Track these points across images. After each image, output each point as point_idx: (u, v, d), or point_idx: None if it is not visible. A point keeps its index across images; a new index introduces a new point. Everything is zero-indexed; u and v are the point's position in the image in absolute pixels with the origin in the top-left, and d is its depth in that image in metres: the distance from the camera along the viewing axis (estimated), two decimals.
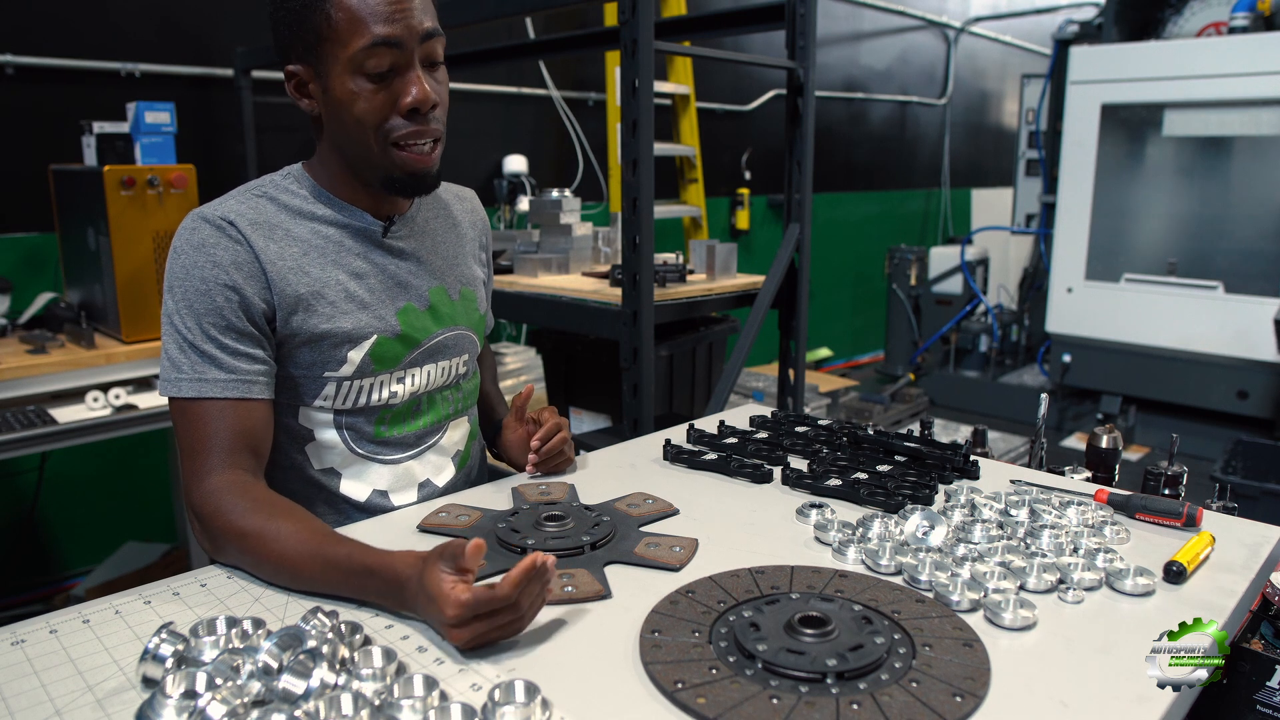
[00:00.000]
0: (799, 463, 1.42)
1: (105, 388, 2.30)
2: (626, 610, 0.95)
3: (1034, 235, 5.48)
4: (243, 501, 1.05)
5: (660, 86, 4.27)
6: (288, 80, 1.19)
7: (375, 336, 1.23)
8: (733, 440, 1.51)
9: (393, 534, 1.17)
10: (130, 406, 2.28)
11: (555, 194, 2.66)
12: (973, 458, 1.39)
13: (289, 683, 0.76)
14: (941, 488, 1.31)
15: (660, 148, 4.04)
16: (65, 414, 2.20)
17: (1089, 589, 0.98)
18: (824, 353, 6.25)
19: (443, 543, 0.90)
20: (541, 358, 3.33)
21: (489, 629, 0.86)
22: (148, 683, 0.82)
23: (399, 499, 1.30)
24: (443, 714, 0.73)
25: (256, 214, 1.18)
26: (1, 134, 2.77)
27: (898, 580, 1.01)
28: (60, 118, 2.79)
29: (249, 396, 1.13)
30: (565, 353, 3.08)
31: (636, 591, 0.99)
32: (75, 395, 2.27)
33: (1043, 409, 1.51)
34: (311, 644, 0.79)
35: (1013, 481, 1.34)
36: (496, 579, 0.86)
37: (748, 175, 5.36)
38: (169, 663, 0.80)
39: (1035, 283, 5.50)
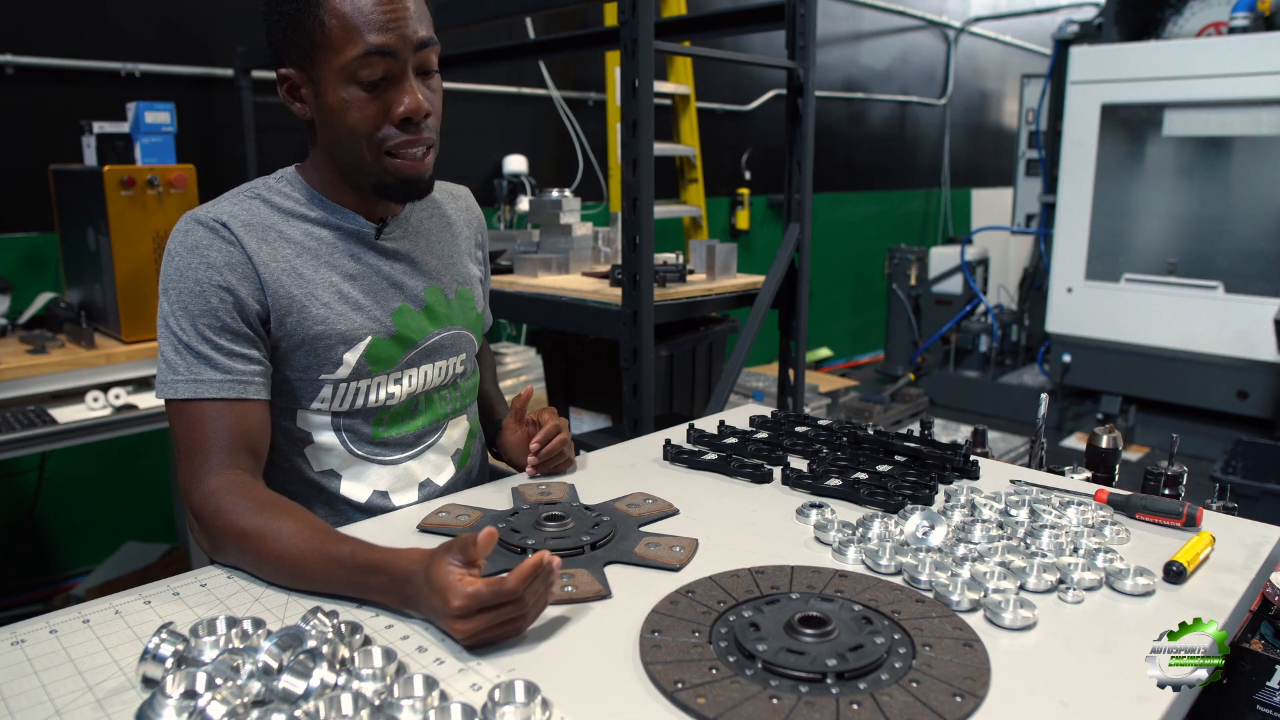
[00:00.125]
0: (799, 463, 1.42)
1: (105, 388, 2.30)
2: (626, 610, 0.95)
3: (1034, 235, 5.48)
4: (243, 501, 1.05)
5: (660, 86, 4.27)
6: (280, 84, 1.19)
7: (370, 338, 1.23)
8: (733, 440, 1.51)
9: (393, 534, 1.17)
10: (130, 406, 2.28)
11: (555, 194, 2.66)
12: (973, 458, 1.39)
13: (289, 683, 0.76)
14: (941, 488, 1.31)
15: (660, 148, 4.04)
16: (65, 414, 2.20)
17: (1089, 589, 0.98)
18: (824, 353, 6.25)
19: (452, 539, 0.90)
20: (541, 358, 3.33)
21: (492, 623, 0.86)
22: (148, 683, 0.82)
23: (399, 499, 1.30)
24: (443, 714, 0.73)
25: (249, 216, 1.18)
26: (1, 134, 2.77)
27: (898, 580, 1.01)
28: (60, 118, 2.79)
29: (245, 397, 1.13)
30: (565, 353, 3.08)
31: (636, 591, 0.99)
32: (75, 395, 2.27)
33: (1043, 409, 1.51)
34: (311, 644, 0.79)
35: (1013, 481, 1.34)
36: (502, 576, 0.86)
37: (748, 175, 5.36)
38: (169, 663, 0.80)
39: (1035, 283, 5.50)
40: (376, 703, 0.75)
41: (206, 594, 1.00)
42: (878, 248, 6.26)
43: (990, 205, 7.38)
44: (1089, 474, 1.43)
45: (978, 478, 1.37)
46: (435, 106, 1.18)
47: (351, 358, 1.22)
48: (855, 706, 0.75)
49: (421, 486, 1.33)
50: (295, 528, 1.01)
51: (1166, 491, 1.33)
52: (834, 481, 1.30)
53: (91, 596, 1.97)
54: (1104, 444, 1.43)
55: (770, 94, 5.36)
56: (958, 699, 0.77)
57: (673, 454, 1.44)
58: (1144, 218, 4.57)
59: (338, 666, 0.79)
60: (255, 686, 0.76)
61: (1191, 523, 1.16)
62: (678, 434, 1.57)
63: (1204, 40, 4.33)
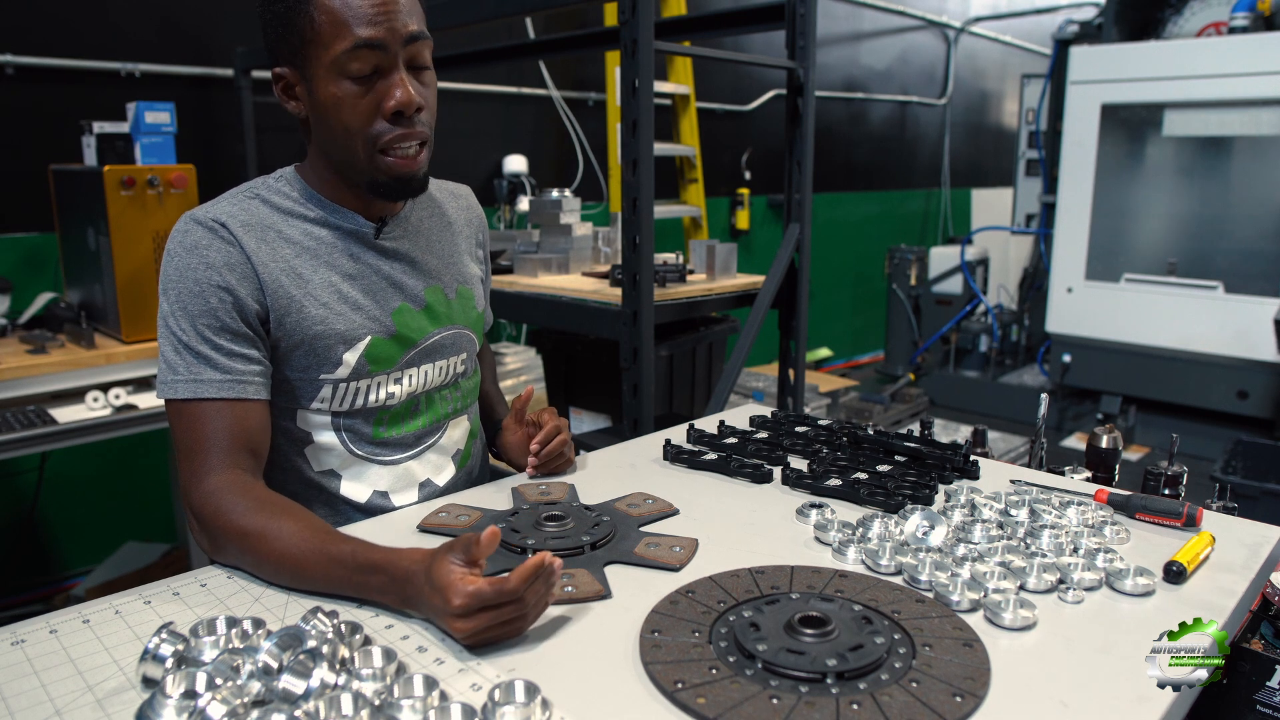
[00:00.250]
0: (799, 463, 1.42)
1: (105, 388, 2.30)
2: (626, 610, 0.95)
3: (1034, 235, 5.48)
4: (243, 501, 1.05)
5: (660, 86, 4.27)
6: (275, 83, 1.19)
7: (370, 337, 1.23)
8: (733, 440, 1.51)
9: (393, 534, 1.17)
10: (130, 406, 2.28)
11: (555, 194, 2.66)
12: (973, 458, 1.39)
13: (289, 683, 0.76)
14: (941, 488, 1.31)
15: (660, 148, 4.04)
16: (65, 414, 2.20)
17: (1089, 589, 0.98)
18: (824, 353, 6.25)
19: (454, 538, 0.90)
20: (541, 358, 3.33)
21: (493, 623, 0.86)
22: (148, 683, 0.82)
23: (399, 499, 1.30)
24: (443, 714, 0.73)
25: (248, 216, 1.18)
26: (1, 134, 2.77)
27: (898, 580, 1.01)
28: (60, 118, 2.79)
29: (245, 397, 1.13)
30: (565, 353, 3.08)
31: (636, 591, 0.99)
32: (75, 395, 2.27)
33: (1043, 409, 1.51)
34: (311, 644, 0.79)
35: (1013, 481, 1.34)
36: (503, 576, 0.86)
37: (748, 175, 5.36)
38: (169, 663, 0.80)
39: (1035, 283, 5.50)
40: (376, 703, 0.75)
41: (206, 594, 1.00)
42: (878, 248, 6.26)
43: (990, 205, 7.38)
44: (1089, 474, 1.43)
45: (978, 478, 1.37)
46: (428, 102, 1.18)
47: (351, 357, 1.22)
48: (855, 706, 0.75)
49: (421, 487, 1.33)
50: (295, 527, 1.01)
51: (1166, 491, 1.33)
52: (834, 481, 1.31)
53: (91, 596, 1.97)
54: (1104, 444, 1.43)
55: (770, 94, 5.36)
56: (958, 699, 0.77)
57: (673, 454, 1.44)
58: (1144, 218, 4.57)
59: (338, 666, 0.79)
60: (255, 686, 0.76)
61: (1191, 523, 1.16)
62: (678, 434, 1.57)
63: (1204, 40, 4.33)
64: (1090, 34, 5.00)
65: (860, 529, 1.13)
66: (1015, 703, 0.78)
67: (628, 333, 2.00)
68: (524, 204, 3.84)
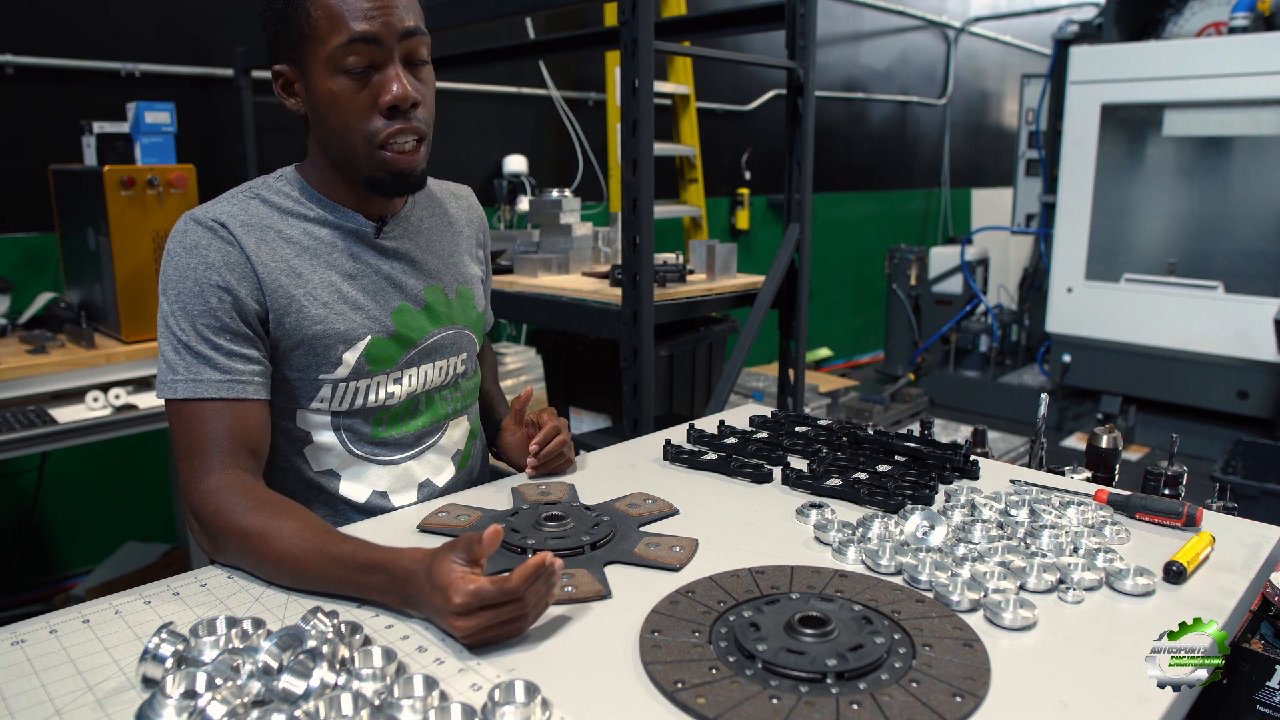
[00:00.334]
0: (799, 463, 1.42)
1: (105, 388, 2.30)
2: (626, 610, 0.95)
3: (1034, 235, 5.48)
4: (243, 501, 1.05)
5: (660, 86, 4.27)
6: (275, 80, 1.20)
7: (369, 337, 1.23)
8: (733, 440, 1.51)
9: (392, 534, 1.17)
10: (130, 406, 2.28)
11: (555, 194, 2.66)
12: (973, 458, 1.39)
13: (289, 683, 0.76)
14: (941, 488, 1.31)
15: (660, 148, 4.04)
16: (65, 414, 2.20)
17: (1089, 589, 0.98)
18: (824, 353, 6.25)
19: (455, 538, 0.90)
20: (541, 358, 3.33)
21: (493, 622, 0.86)
22: (148, 683, 0.82)
23: (399, 499, 1.30)
24: (443, 714, 0.73)
25: (248, 216, 1.18)
26: (1, 134, 2.77)
27: (898, 580, 1.01)
28: (60, 118, 2.79)
29: (244, 397, 1.13)
30: (565, 353, 3.08)
31: (636, 591, 0.99)
32: (75, 395, 2.27)
33: (1043, 409, 1.51)
34: (311, 644, 0.79)
35: (1013, 481, 1.34)
36: (504, 575, 0.86)
37: (748, 175, 5.36)
38: (169, 663, 0.80)
39: (1035, 283, 5.50)
40: (376, 703, 0.75)
41: (206, 594, 1.00)
42: (878, 248, 6.26)
43: (990, 205, 7.38)
44: (1089, 474, 1.43)
45: (978, 478, 1.37)
46: (425, 98, 1.18)
47: (351, 357, 1.22)
48: (855, 706, 0.75)
49: (421, 487, 1.33)
50: (296, 527, 1.01)
51: (1166, 491, 1.33)
52: (834, 481, 1.30)
53: (91, 596, 1.97)
54: (1104, 444, 1.43)
55: (770, 94, 5.36)
56: (958, 699, 0.77)
57: (673, 454, 1.44)
58: (1144, 218, 4.57)
59: (338, 666, 0.79)
60: (255, 686, 0.76)
61: (1191, 523, 1.16)
62: (678, 434, 1.57)
63: (1204, 40, 4.33)
64: (1090, 34, 5.00)
65: (860, 529, 1.13)
66: (1015, 703, 0.78)
67: (628, 333, 2.00)
68: (524, 204, 3.84)
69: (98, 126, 2.44)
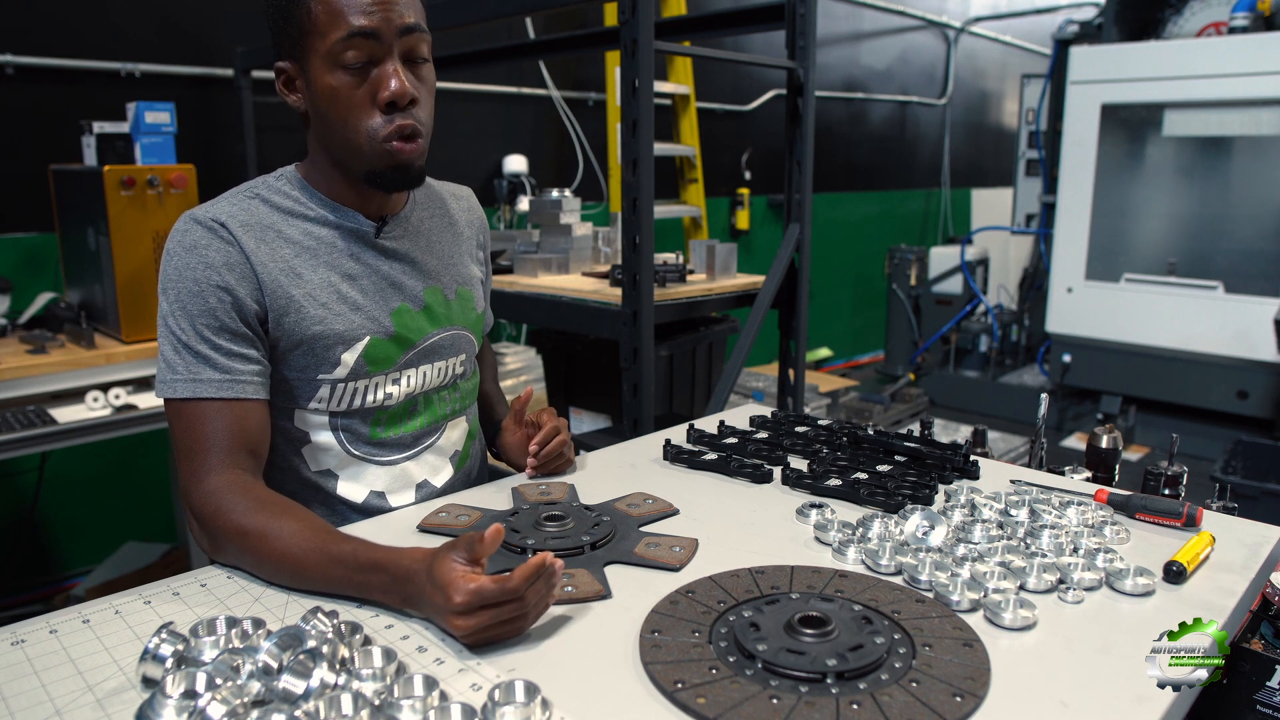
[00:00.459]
0: (799, 463, 1.42)
1: (105, 388, 2.30)
2: (626, 610, 0.95)
3: (1034, 235, 5.48)
4: (244, 501, 1.05)
5: (660, 86, 4.27)
6: (277, 77, 1.20)
7: (368, 338, 1.23)
8: (733, 440, 1.51)
9: (392, 534, 1.17)
10: (130, 406, 2.28)
11: (555, 194, 2.66)
12: (973, 458, 1.39)
13: (289, 683, 0.76)
14: (941, 488, 1.31)
15: (660, 148, 4.04)
16: (65, 414, 2.20)
17: (1089, 589, 0.98)
18: (824, 353, 6.25)
19: (457, 537, 0.90)
20: (541, 358, 3.33)
21: (494, 621, 0.86)
22: (148, 683, 0.82)
23: (396, 500, 1.30)
24: (443, 714, 0.73)
25: (248, 216, 1.18)
26: (1, 134, 2.77)
27: (898, 580, 1.01)
28: (60, 118, 2.79)
29: (244, 396, 1.13)
30: (565, 353, 3.08)
31: (636, 591, 0.99)
32: (75, 395, 2.27)
33: (1043, 409, 1.51)
34: (311, 644, 0.79)
35: (1013, 481, 1.34)
36: (505, 575, 0.86)
37: (748, 175, 5.36)
38: (169, 663, 0.80)
39: (1035, 283, 5.50)
40: (376, 703, 0.75)
41: (206, 594, 1.00)
42: (878, 248, 6.26)
43: (990, 205, 7.38)
44: (1089, 474, 1.43)
45: (978, 478, 1.37)
46: (423, 95, 1.18)
47: (350, 358, 1.22)
48: (855, 706, 0.75)
49: (419, 487, 1.32)
50: (296, 527, 1.01)
51: (1166, 491, 1.33)
52: (834, 481, 1.30)
53: (91, 596, 1.97)
54: (1104, 444, 1.43)
55: (770, 94, 5.36)
56: (958, 699, 0.77)
57: (673, 454, 1.44)
58: (1144, 218, 4.57)
59: (338, 666, 0.79)
60: (255, 686, 0.76)
61: (1191, 523, 1.16)
62: (678, 434, 1.57)
63: (1204, 40, 4.33)
64: (1090, 34, 5.00)
65: (860, 529, 1.13)
66: (1015, 703, 0.78)
67: (628, 333, 2.00)
68: (524, 204, 3.84)
69: (98, 126, 2.44)
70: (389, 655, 0.81)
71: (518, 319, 3.78)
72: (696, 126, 4.58)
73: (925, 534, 1.10)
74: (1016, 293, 5.98)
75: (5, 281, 2.57)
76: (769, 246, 5.41)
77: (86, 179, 2.37)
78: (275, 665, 0.78)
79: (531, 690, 0.76)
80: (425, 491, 1.33)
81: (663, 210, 4.36)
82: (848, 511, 1.22)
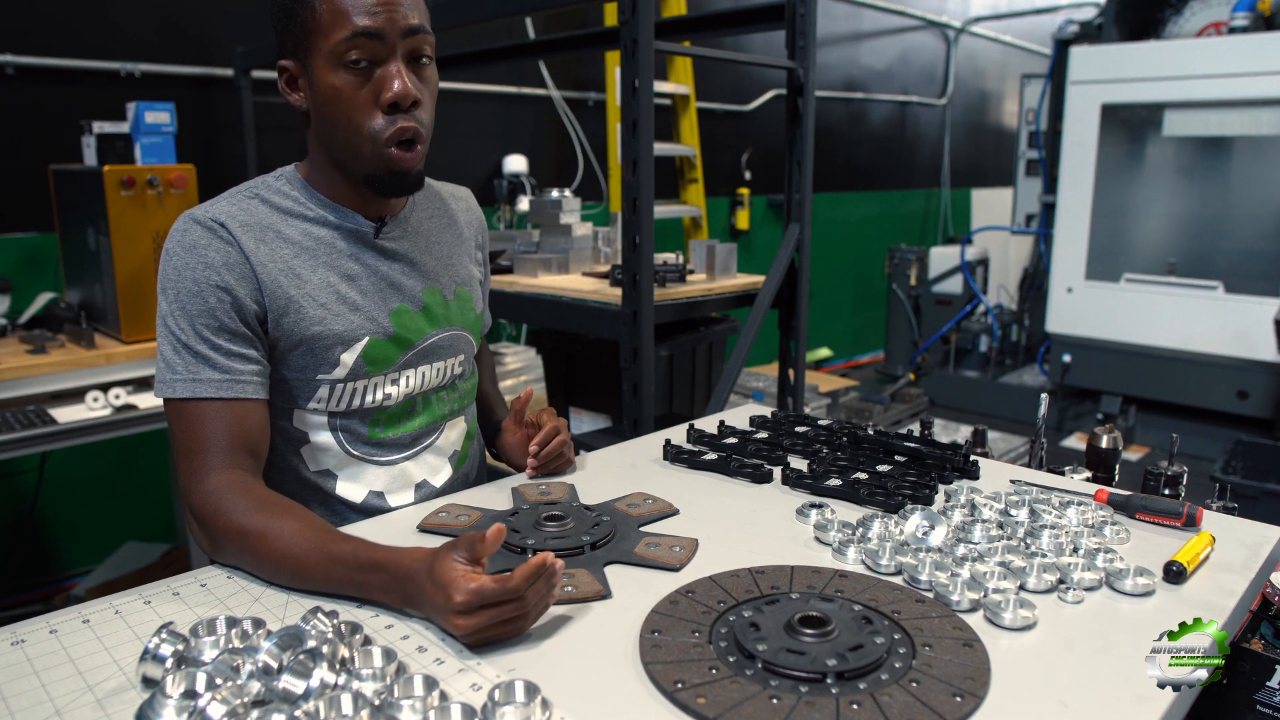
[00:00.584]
0: (799, 463, 1.42)
1: (105, 388, 2.30)
2: (626, 610, 0.95)
3: (1034, 235, 5.48)
4: (243, 501, 1.05)
5: (660, 86, 4.27)
6: (280, 75, 1.20)
7: (367, 338, 1.23)
8: (733, 440, 1.51)
9: (392, 534, 1.17)
10: (130, 406, 2.28)
11: (555, 194, 2.66)
12: (973, 458, 1.39)
13: (289, 683, 0.76)
14: (941, 488, 1.31)
15: (660, 148, 4.04)
16: (65, 414, 2.20)
17: (1089, 589, 0.98)
18: (824, 353, 6.25)
19: (457, 537, 0.90)
20: (541, 358, 3.33)
21: (494, 621, 0.86)
22: (148, 683, 0.82)
23: (395, 500, 1.30)
24: (443, 714, 0.73)
25: (247, 216, 1.18)
26: (1, 134, 2.77)
27: (898, 580, 1.01)
28: (60, 118, 2.79)
29: (243, 396, 1.13)
30: (565, 353, 3.08)
31: (636, 591, 0.99)
32: (75, 395, 2.27)
33: (1043, 409, 1.51)
34: (311, 644, 0.79)
35: (1013, 481, 1.34)
36: (505, 574, 0.86)
37: (748, 175, 5.36)
38: (169, 663, 0.80)
39: (1035, 283, 5.50)
40: (376, 703, 0.75)
41: (206, 594, 1.00)
42: (878, 248, 6.26)
43: (990, 205, 7.39)
44: (1089, 474, 1.43)
45: (978, 478, 1.37)
46: (426, 97, 1.18)
47: (349, 358, 1.22)
48: (855, 706, 0.75)
49: (418, 488, 1.33)
50: (296, 527, 1.01)
51: (1166, 491, 1.33)
52: (834, 481, 1.30)
53: (91, 596, 1.97)
54: (1104, 444, 1.43)
55: (770, 94, 5.36)
56: (958, 699, 0.77)
57: (673, 454, 1.44)
58: (1144, 218, 4.57)
59: (338, 666, 0.79)
60: (255, 686, 0.76)
61: (1191, 523, 1.16)
62: (678, 434, 1.57)
63: (1204, 40, 4.33)
64: (1090, 34, 5.00)
65: (860, 529, 1.13)
66: (1015, 703, 0.78)
67: (628, 333, 2.00)
68: (524, 204, 3.84)
69: (98, 126, 2.44)
70: (389, 655, 0.81)
71: (518, 319, 3.78)
72: (696, 126, 4.58)
73: (925, 534, 1.10)
74: (1016, 293, 5.98)
75: (5, 281, 2.57)
76: (769, 246, 5.41)
77: (86, 179, 2.37)
78: (275, 665, 0.78)
79: (531, 690, 0.76)
80: (424, 491, 1.33)
81: (663, 210, 4.36)
82: (848, 511, 1.22)
